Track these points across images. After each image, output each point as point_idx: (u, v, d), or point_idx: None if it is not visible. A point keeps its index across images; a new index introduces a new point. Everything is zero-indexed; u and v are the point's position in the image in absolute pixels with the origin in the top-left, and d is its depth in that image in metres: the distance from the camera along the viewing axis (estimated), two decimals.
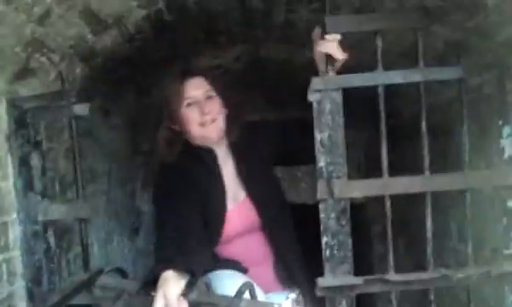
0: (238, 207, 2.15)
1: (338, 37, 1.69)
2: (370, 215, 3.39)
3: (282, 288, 2.12)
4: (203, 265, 1.81)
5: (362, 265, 2.09)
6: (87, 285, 1.67)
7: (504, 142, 1.83)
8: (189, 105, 2.05)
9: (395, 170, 1.90)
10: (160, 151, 2.12)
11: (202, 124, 2.05)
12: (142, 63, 2.39)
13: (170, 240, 1.79)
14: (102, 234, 2.48)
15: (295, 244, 2.26)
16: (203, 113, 2.03)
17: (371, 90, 1.81)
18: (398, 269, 1.88)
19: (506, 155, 1.83)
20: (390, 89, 1.82)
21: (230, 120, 2.12)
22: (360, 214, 3.34)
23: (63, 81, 1.77)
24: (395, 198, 1.88)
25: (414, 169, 1.90)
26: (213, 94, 2.09)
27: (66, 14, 1.68)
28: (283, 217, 2.23)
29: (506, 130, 1.82)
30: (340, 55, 1.70)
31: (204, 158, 2.11)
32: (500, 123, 1.84)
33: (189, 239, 1.80)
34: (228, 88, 2.16)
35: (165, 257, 1.69)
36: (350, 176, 1.87)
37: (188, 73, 2.08)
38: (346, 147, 1.82)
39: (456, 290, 2.05)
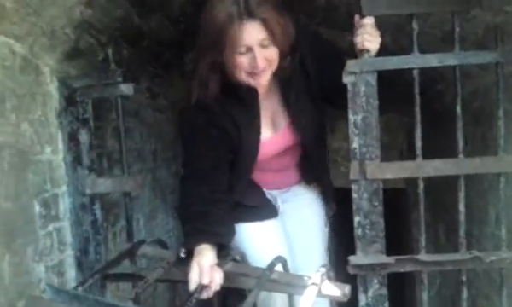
0: (276, 136, 2.08)
1: (372, 20, 1.71)
2: (411, 200, 3.40)
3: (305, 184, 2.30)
4: (232, 234, 1.92)
5: (400, 249, 2.12)
6: (129, 254, 1.78)
7: None
8: (241, 53, 1.79)
9: (437, 155, 1.92)
10: (197, 86, 1.90)
11: (251, 75, 1.84)
12: (187, 46, 2.47)
13: (197, 207, 1.83)
14: (147, 210, 2.59)
15: (324, 154, 2.35)
16: (255, 66, 1.80)
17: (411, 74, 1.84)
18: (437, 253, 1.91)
19: None
20: (434, 74, 1.84)
21: (282, 60, 1.90)
22: (401, 199, 3.36)
23: (109, 61, 1.87)
24: (435, 183, 1.90)
25: (455, 153, 1.92)
26: (270, 43, 1.80)
27: None
28: (320, 136, 2.23)
29: None
30: (373, 45, 1.72)
31: (243, 96, 1.94)
32: None
33: (216, 204, 1.85)
34: (286, 33, 1.85)
35: (195, 231, 1.76)
36: (392, 160, 1.91)
37: (246, 14, 1.73)
38: (388, 132, 1.85)
39: (491, 274, 2.05)
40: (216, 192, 1.88)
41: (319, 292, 1.58)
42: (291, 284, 1.69)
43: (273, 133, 2.08)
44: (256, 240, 2.11)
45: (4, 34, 1.53)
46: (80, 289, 1.50)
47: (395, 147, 2.62)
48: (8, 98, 1.58)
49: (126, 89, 1.87)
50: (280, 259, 1.80)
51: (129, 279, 1.92)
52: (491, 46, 1.86)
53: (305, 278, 1.64)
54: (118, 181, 1.96)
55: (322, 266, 1.73)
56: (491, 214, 2.35)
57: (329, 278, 1.71)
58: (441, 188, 2.02)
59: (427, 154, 1.88)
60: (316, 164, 2.23)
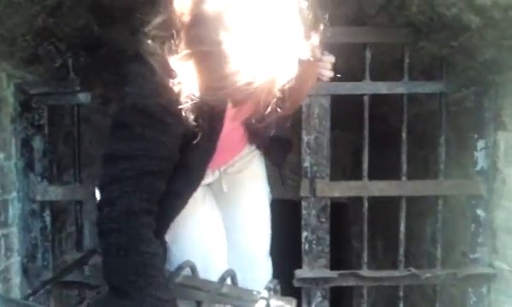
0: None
1: (332, 59, 1.75)
2: (352, 215, 3.53)
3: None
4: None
5: (340, 262, 2.22)
6: (81, 263, 1.78)
7: (478, 155, 1.97)
8: None
9: (380, 174, 2.03)
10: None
11: None
12: None
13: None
14: (93, 216, 2.57)
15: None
16: None
17: (361, 96, 1.94)
18: (375, 268, 2.02)
19: (479, 167, 1.97)
20: (380, 96, 1.95)
21: None
22: (342, 214, 3.48)
23: (69, 69, 1.87)
24: (377, 201, 2.02)
25: (396, 173, 2.04)
26: None
27: (76, 7, 1.77)
28: None
29: (480, 144, 1.96)
30: (327, 75, 1.77)
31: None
32: (476, 136, 1.97)
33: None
34: None
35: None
36: (335, 178, 2.00)
37: None
38: (334, 148, 1.94)
39: (426, 289, 2.18)
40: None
41: (268, 306, 1.64)
42: (241, 298, 1.74)
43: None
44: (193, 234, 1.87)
45: None
46: (31, 298, 1.49)
47: (339, 163, 2.72)
48: None
49: (84, 97, 1.88)
50: (230, 272, 1.85)
51: (75, 287, 1.92)
52: (436, 74, 2.00)
53: (255, 292, 1.70)
54: (70, 189, 1.96)
55: (270, 281, 1.80)
56: (428, 233, 2.50)
57: (276, 292, 1.78)
58: (382, 206, 2.13)
59: (370, 172, 1.99)
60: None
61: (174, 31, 1.20)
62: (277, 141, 1.84)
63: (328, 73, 1.76)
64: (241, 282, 1.84)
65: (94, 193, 1.98)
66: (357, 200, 2.07)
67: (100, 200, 1.43)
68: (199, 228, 1.81)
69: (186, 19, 1.18)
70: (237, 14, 1.12)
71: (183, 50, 1.19)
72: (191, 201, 1.69)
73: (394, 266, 2.06)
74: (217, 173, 1.86)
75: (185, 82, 1.21)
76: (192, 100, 1.23)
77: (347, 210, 3.47)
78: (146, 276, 1.37)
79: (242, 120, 1.70)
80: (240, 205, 1.96)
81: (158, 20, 1.27)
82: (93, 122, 2.45)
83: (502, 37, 1.68)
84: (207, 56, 1.15)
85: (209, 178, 1.82)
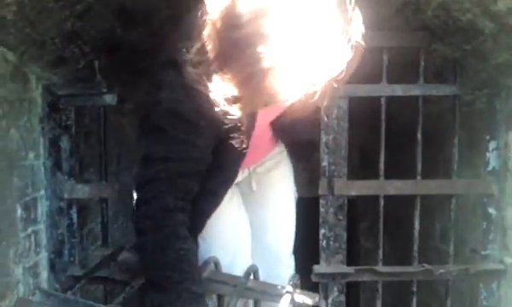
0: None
1: None
2: (359, 211, 3.59)
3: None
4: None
5: (348, 259, 2.28)
6: (111, 259, 1.85)
7: (489, 155, 2.03)
8: None
9: (392, 173, 2.10)
10: None
11: None
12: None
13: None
14: (110, 213, 2.64)
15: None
16: None
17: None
18: (382, 263, 2.09)
19: (490, 167, 2.04)
20: (393, 97, 2.02)
21: None
22: (350, 209, 3.54)
23: (95, 71, 1.93)
24: (386, 199, 2.08)
25: (406, 171, 2.11)
26: None
27: (103, 11, 1.83)
28: None
29: (492, 145, 2.03)
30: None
31: None
32: (488, 137, 2.04)
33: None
34: None
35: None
36: (350, 175, 2.07)
37: None
38: (353, 146, 2.01)
39: (437, 285, 2.25)
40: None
41: (292, 300, 1.71)
42: (266, 292, 1.80)
43: None
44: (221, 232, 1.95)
45: (1, 44, 1.57)
46: (69, 293, 1.56)
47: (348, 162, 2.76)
48: (0, 105, 1.62)
49: (110, 99, 1.94)
50: (253, 268, 1.91)
51: (101, 282, 1.98)
52: (448, 76, 2.06)
53: (279, 287, 1.77)
54: (96, 187, 2.03)
55: (293, 276, 1.86)
56: (437, 230, 2.57)
57: (297, 286, 1.85)
58: (391, 204, 2.19)
59: (388, 172, 2.06)
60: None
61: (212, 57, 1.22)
62: (304, 141, 1.93)
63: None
64: (264, 278, 1.91)
65: (119, 190, 2.06)
66: (366, 197, 2.14)
67: (137, 200, 1.51)
68: (226, 226, 1.88)
69: (225, 42, 1.19)
70: (277, 25, 1.12)
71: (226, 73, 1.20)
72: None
73: (402, 263, 2.14)
74: (246, 172, 1.93)
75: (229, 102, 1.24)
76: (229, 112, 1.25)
77: (355, 206, 3.54)
78: (181, 272, 1.45)
79: (272, 120, 1.76)
80: (268, 204, 2.05)
81: (194, 48, 1.29)
82: (109, 120, 2.50)
83: None
84: (257, 76, 1.15)
85: (239, 177, 1.88)
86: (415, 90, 1.99)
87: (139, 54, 2.35)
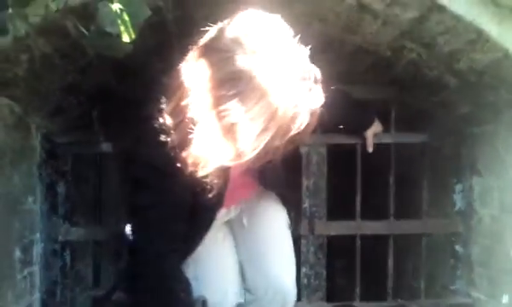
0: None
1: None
2: (334, 250, 3.72)
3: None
4: None
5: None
6: (105, 299, 1.94)
7: (456, 197, 2.22)
8: None
9: (367, 214, 2.26)
10: None
11: None
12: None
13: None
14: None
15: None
16: None
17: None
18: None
19: (457, 207, 2.22)
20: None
21: None
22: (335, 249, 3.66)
23: (92, 121, 2.06)
24: (368, 240, 2.24)
25: (381, 213, 2.27)
26: None
27: (102, 65, 1.96)
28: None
29: (458, 187, 2.22)
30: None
31: None
32: (454, 181, 2.23)
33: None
34: None
35: None
36: (329, 216, 2.22)
37: None
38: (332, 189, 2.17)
39: None
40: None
41: None
42: None
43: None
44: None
45: (10, 97, 1.69)
46: None
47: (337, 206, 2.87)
48: (6, 153, 1.73)
49: (106, 147, 2.06)
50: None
51: None
52: (419, 125, 2.26)
53: None
54: (90, 230, 2.13)
55: None
56: (410, 267, 2.72)
57: None
58: (366, 243, 2.35)
59: (364, 212, 2.22)
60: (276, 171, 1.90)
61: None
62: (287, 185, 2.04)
63: (371, 140, 2.15)
64: None
65: (112, 234, 2.16)
66: (342, 238, 2.28)
67: (130, 247, 1.62)
68: (213, 266, 1.98)
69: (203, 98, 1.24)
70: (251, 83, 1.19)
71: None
72: (212, 241, 1.88)
73: (376, 299, 2.29)
74: (238, 209, 2.04)
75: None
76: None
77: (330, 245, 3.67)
78: None
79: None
80: (263, 235, 2.06)
81: (169, 107, 1.38)
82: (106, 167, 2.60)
83: (477, 96, 1.95)
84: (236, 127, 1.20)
85: (231, 214, 2.00)
86: (387, 139, 2.18)
87: (129, 103, 2.47)
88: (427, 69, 1.99)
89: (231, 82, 1.21)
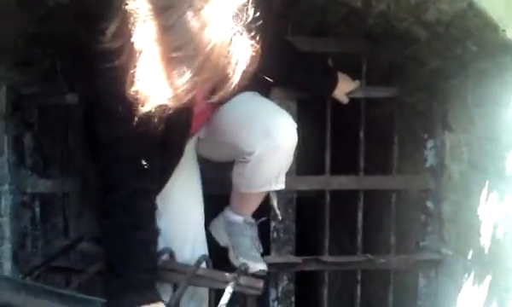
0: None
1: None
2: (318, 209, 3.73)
3: None
4: None
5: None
6: (69, 249, 1.96)
7: (427, 153, 2.20)
8: None
9: (341, 169, 2.25)
10: None
11: None
12: None
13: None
14: (73, 208, 2.72)
15: None
16: None
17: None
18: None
19: (428, 164, 2.21)
20: None
21: None
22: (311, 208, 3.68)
23: (57, 72, 2.04)
24: (339, 195, 2.23)
25: (352, 169, 2.26)
26: None
27: (64, 16, 1.93)
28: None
29: (429, 143, 2.20)
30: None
31: None
32: (426, 136, 2.21)
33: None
34: None
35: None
36: (301, 171, 2.21)
37: None
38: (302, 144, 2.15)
39: (381, 274, 2.41)
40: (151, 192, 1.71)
41: (238, 285, 1.84)
42: (215, 279, 1.93)
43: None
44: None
45: None
46: (28, 279, 1.67)
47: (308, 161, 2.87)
48: None
49: (72, 98, 2.05)
50: (204, 257, 2.04)
51: (61, 272, 2.09)
52: (391, 80, 2.22)
53: (227, 274, 1.90)
54: (58, 182, 2.14)
55: (242, 264, 2.00)
56: (386, 224, 2.72)
57: (244, 273, 1.99)
58: (345, 200, 2.35)
59: (333, 167, 2.21)
60: None
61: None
62: None
63: (345, 99, 2.13)
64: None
65: (82, 185, 2.16)
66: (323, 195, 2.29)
67: (104, 185, 1.63)
68: (185, 216, 2.00)
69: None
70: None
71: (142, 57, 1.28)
72: (178, 181, 1.90)
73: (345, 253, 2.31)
74: (195, 139, 2.06)
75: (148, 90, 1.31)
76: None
77: (316, 205, 3.68)
78: (138, 260, 1.59)
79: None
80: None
81: (110, 29, 1.40)
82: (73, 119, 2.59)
83: (446, 49, 1.91)
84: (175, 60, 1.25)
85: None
86: (357, 93, 2.14)
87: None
88: (397, 21, 1.94)
89: (170, 10, 1.25)
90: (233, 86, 1.31)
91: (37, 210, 2.14)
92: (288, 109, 2.11)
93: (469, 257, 1.97)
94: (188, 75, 1.25)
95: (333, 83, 2.12)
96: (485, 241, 1.86)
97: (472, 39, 1.74)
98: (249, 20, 1.27)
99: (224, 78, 1.30)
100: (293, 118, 2.11)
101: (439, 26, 1.80)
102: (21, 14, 1.75)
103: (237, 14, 1.26)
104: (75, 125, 2.13)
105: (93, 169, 1.86)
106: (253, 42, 1.29)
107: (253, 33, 1.29)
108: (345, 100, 2.15)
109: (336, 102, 2.18)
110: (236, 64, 1.27)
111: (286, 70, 1.97)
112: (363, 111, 2.18)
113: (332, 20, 2.21)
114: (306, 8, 2.15)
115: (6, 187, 2.07)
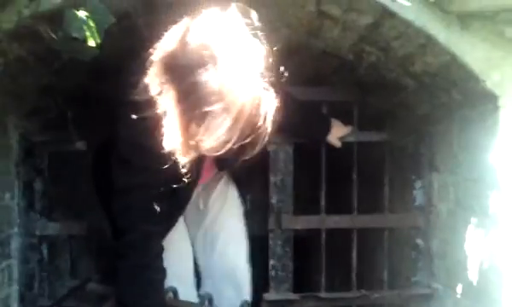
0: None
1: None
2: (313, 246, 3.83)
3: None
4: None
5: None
6: (78, 289, 2.04)
7: (416, 192, 2.34)
8: None
9: (334, 205, 2.37)
10: None
11: None
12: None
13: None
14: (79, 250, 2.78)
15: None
16: None
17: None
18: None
19: (417, 203, 2.34)
20: None
21: None
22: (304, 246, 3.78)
23: (67, 122, 2.15)
24: (334, 235, 2.35)
25: (346, 209, 2.39)
26: None
27: (77, 68, 2.06)
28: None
29: (418, 184, 2.34)
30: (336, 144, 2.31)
31: None
32: (414, 177, 2.35)
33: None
34: None
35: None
36: (295, 211, 2.33)
37: None
38: (299, 185, 2.27)
39: None
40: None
41: None
42: None
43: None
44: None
45: None
46: None
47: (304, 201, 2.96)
48: None
49: (81, 145, 2.16)
50: (208, 295, 2.14)
51: None
52: (381, 125, 2.37)
53: None
54: (67, 224, 2.22)
55: (244, 301, 2.10)
56: (380, 262, 2.84)
57: None
58: (339, 240, 2.47)
59: (328, 207, 2.33)
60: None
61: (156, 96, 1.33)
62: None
63: (337, 143, 2.24)
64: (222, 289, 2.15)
65: (87, 228, 2.25)
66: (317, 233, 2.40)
67: (118, 228, 1.74)
68: (180, 256, 2.10)
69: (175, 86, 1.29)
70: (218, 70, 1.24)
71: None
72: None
73: (340, 290, 2.42)
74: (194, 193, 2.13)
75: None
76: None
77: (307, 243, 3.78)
78: (150, 299, 1.69)
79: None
80: (216, 218, 2.24)
81: (142, 84, 1.39)
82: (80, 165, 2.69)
83: (432, 97, 2.06)
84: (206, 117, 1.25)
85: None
86: (350, 138, 2.29)
87: (108, 103, 2.57)
88: (386, 71, 2.10)
89: (197, 69, 1.26)
90: (264, 141, 1.35)
91: (45, 252, 2.22)
92: (285, 153, 2.26)
93: (458, 290, 2.09)
94: (223, 129, 1.26)
95: (327, 129, 2.26)
96: (472, 275, 1.98)
97: (456, 89, 1.90)
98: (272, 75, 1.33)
99: (255, 135, 1.32)
100: (290, 161, 2.27)
101: (425, 76, 1.96)
102: (39, 66, 1.87)
103: (263, 72, 1.30)
104: (82, 171, 2.23)
105: (99, 213, 1.98)
106: (276, 96, 1.33)
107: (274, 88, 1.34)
108: (338, 144, 2.29)
109: (330, 147, 2.31)
110: (265, 119, 1.30)
111: (286, 118, 2.09)
112: (356, 154, 2.32)
113: (325, 71, 2.37)
114: (301, 60, 2.30)
115: (15, 229, 2.16)
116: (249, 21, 1.36)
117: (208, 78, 1.25)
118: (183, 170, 1.47)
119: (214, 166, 2.07)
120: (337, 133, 2.28)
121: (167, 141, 1.34)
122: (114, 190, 1.73)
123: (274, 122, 1.35)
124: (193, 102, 1.27)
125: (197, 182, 1.92)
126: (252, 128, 1.30)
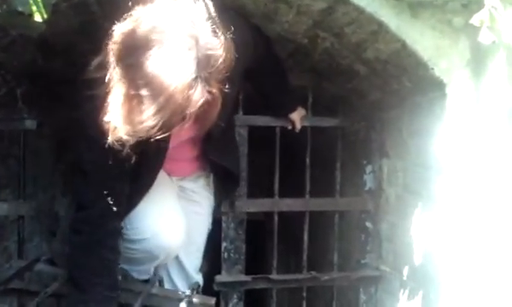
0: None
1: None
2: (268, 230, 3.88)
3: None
4: None
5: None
6: (26, 270, 2.00)
7: (367, 177, 2.39)
8: None
9: (291, 190, 2.40)
10: None
11: None
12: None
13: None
14: (25, 232, 2.74)
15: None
16: None
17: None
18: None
19: (367, 187, 2.39)
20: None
21: None
22: (260, 231, 3.83)
23: (17, 99, 2.10)
24: (289, 218, 2.38)
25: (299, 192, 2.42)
26: None
27: (26, 44, 2.01)
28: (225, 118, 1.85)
29: (368, 168, 2.39)
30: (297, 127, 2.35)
31: None
32: (365, 162, 2.40)
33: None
34: None
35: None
36: (252, 194, 2.35)
37: None
38: (253, 169, 2.29)
39: (325, 291, 2.57)
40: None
41: (191, 303, 1.95)
42: (168, 297, 2.03)
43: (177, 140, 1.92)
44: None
45: None
46: None
47: (259, 185, 2.99)
48: None
49: (30, 124, 2.11)
50: (158, 277, 2.14)
51: (15, 294, 2.12)
52: (336, 111, 2.41)
53: (180, 292, 2.00)
54: (14, 205, 2.18)
55: (194, 283, 2.11)
56: (331, 245, 2.89)
57: (196, 291, 2.10)
58: (295, 225, 2.51)
59: (282, 190, 2.36)
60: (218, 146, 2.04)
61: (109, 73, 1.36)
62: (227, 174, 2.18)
63: (298, 123, 2.28)
64: None
65: (35, 208, 2.21)
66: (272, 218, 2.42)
67: (77, 204, 1.76)
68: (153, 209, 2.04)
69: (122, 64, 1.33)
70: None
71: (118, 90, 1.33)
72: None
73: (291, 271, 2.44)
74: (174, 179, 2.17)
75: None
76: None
77: (264, 228, 3.83)
78: (102, 277, 1.69)
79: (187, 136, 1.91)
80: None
81: (95, 61, 1.45)
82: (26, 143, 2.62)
83: (384, 84, 2.11)
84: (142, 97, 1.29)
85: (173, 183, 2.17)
86: (305, 122, 2.31)
87: (58, 81, 2.52)
88: (340, 58, 2.13)
89: (139, 50, 1.30)
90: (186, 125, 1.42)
91: None
92: (239, 136, 2.26)
93: (405, 273, 2.16)
94: (149, 113, 1.29)
95: (295, 104, 2.30)
96: (418, 258, 2.05)
97: (406, 76, 1.95)
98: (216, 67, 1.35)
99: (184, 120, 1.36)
100: (244, 144, 2.27)
101: (377, 63, 2.00)
102: None
103: (201, 61, 1.32)
104: (31, 150, 2.19)
105: (49, 193, 1.97)
106: (213, 89, 1.36)
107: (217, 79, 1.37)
108: (298, 126, 2.31)
109: (285, 131, 2.33)
110: (191, 108, 1.32)
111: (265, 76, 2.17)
112: (309, 139, 2.35)
113: (281, 55, 2.38)
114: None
115: None
116: (204, 8, 1.39)
117: (144, 61, 1.28)
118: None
119: (195, 164, 2.15)
120: (300, 113, 2.30)
121: (109, 119, 1.37)
122: (75, 166, 1.73)
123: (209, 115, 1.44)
124: (128, 83, 1.31)
125: (159, 169, 1.92)
126: (181, 115, 1.33)
